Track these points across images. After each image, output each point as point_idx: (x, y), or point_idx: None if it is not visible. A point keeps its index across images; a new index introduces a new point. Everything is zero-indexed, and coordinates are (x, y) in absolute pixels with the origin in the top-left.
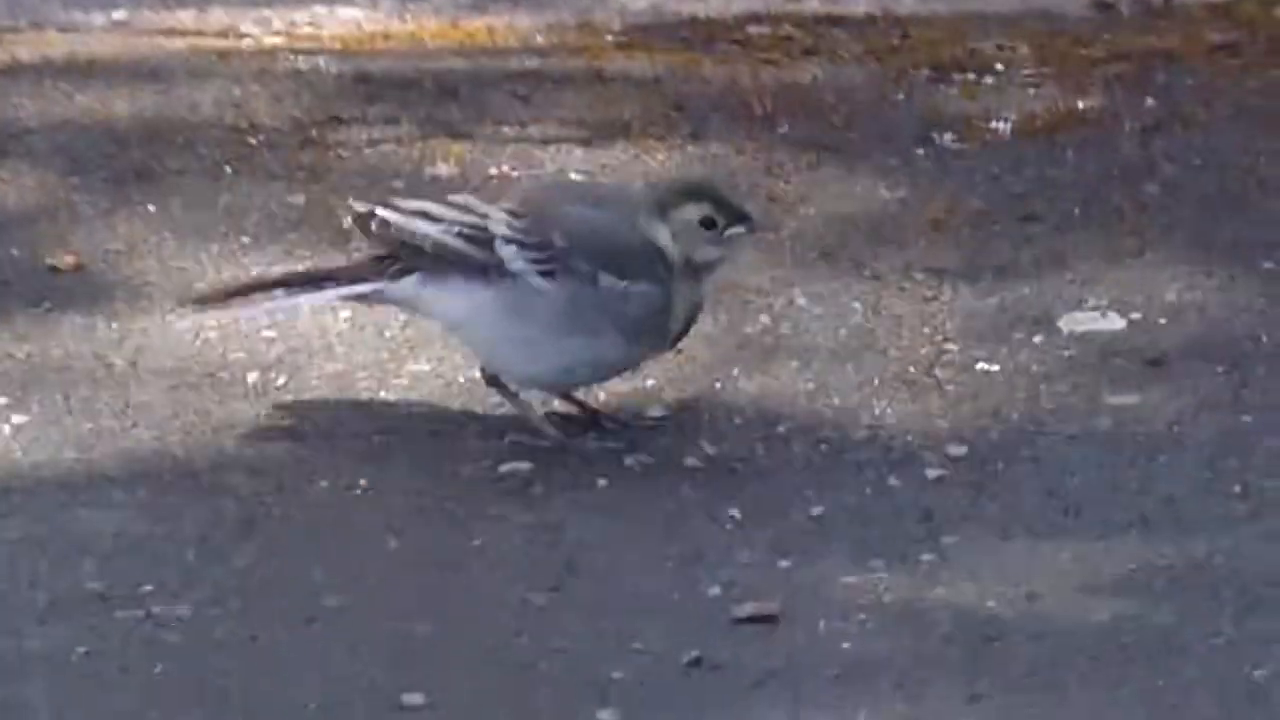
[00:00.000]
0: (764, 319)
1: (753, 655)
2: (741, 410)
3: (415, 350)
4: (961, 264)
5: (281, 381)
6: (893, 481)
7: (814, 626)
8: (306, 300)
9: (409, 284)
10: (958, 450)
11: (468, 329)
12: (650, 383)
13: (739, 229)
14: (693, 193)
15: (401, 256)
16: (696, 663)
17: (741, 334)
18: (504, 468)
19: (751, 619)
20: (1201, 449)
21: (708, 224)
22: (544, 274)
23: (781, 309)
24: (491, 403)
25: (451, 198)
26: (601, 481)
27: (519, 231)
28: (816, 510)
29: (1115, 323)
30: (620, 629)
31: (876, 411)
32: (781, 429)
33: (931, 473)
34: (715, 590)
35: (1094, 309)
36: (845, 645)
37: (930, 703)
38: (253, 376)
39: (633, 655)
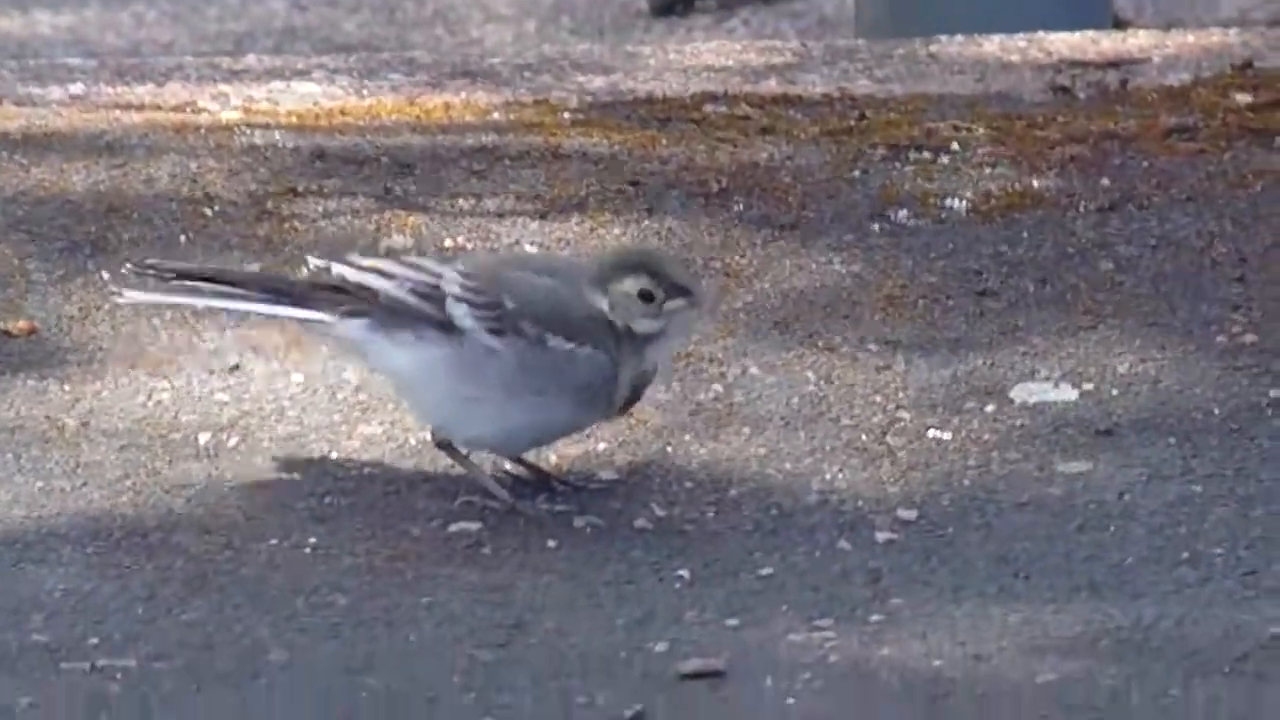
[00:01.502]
0: (716, 387)
1: (698, 711)
2: (693, 474)
3: (367, 413)
4: (915, 337)
5: (233, 443)
6: (842, 544)
7: (760, 684)
8: (253, 309)
9: (358, 326)
10: (908, 515)
11: (416, 386)
12: (602, 446)
13: (678, 302)
14: (632, 265)
15: (354, 300)
16: (639, 718)
17: (694, 401)
18: (454, 528)
19: (697, 675)
20: (1152, 517)
21: (645, 297)
22: (493, 332)
23: (734, 377)
24: (442, 464)
25: (405, 258)
26: (551, 543)
27: (470, 291)
28: (765, 571)
29: (1067, 394)
30: (566, 686)
31: (827, 477)
32: (732, 493)
33: (881, 536)
34: (662, 647)
35: (1046, 380)
36: (791, 701)
37: None
38: (204, 437)
39: (578, 711)
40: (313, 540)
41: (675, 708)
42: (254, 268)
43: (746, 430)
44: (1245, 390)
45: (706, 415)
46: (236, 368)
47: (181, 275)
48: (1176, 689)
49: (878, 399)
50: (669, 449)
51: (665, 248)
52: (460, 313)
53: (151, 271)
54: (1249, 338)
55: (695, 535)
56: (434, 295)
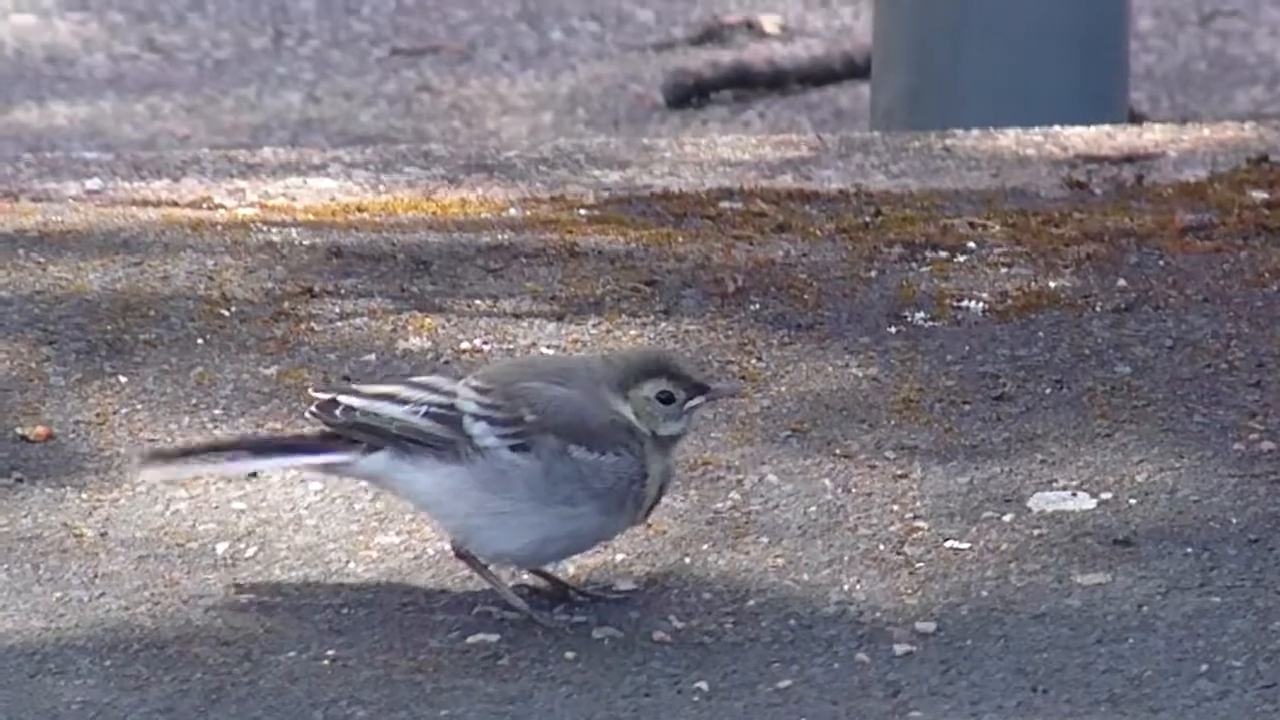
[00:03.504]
0: (734, 495)
1: None
2: (711, 585)
3: (385, 523)
4: (932, 443)
5: (251, 553)
6: (860, 657)
7: None
8: (273, 465)
9: (379, 460)
10: (926, 626)
11: (440, 505)
12: (620, 557)
13: (698, 400)
14: (650, 370)
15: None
16: None
17: (711, 510)
18: (472, 639)
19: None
20: (1171, 629)
21: (666, 399)
22: (515, 449)
23: (752, 486)
24: (460, 575)
25: (414, 378)
26: (569, 654)
27: (487, 408)
28: (784, 684)
29: (1085, 503)
30: None
31: (845, 588)
32: (750, 604)
33: (900, 649)
34: None
35: (1064, 489)
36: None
37: None
38: (222, 547)
39: None
40: (331, 652)
41: None
42: (270, 370)
43: (764, 540)
44: (1263, 499)
45: (724, 524)
46: (254, 476)
47: (186, 454)
48: None
49: (895, 508)
50: (687, 559)
51: (678, 348)
52: (479, 431)
53: (158, 460)
54: (1266, 445)
55: (713, 647)
56: (450, 417)
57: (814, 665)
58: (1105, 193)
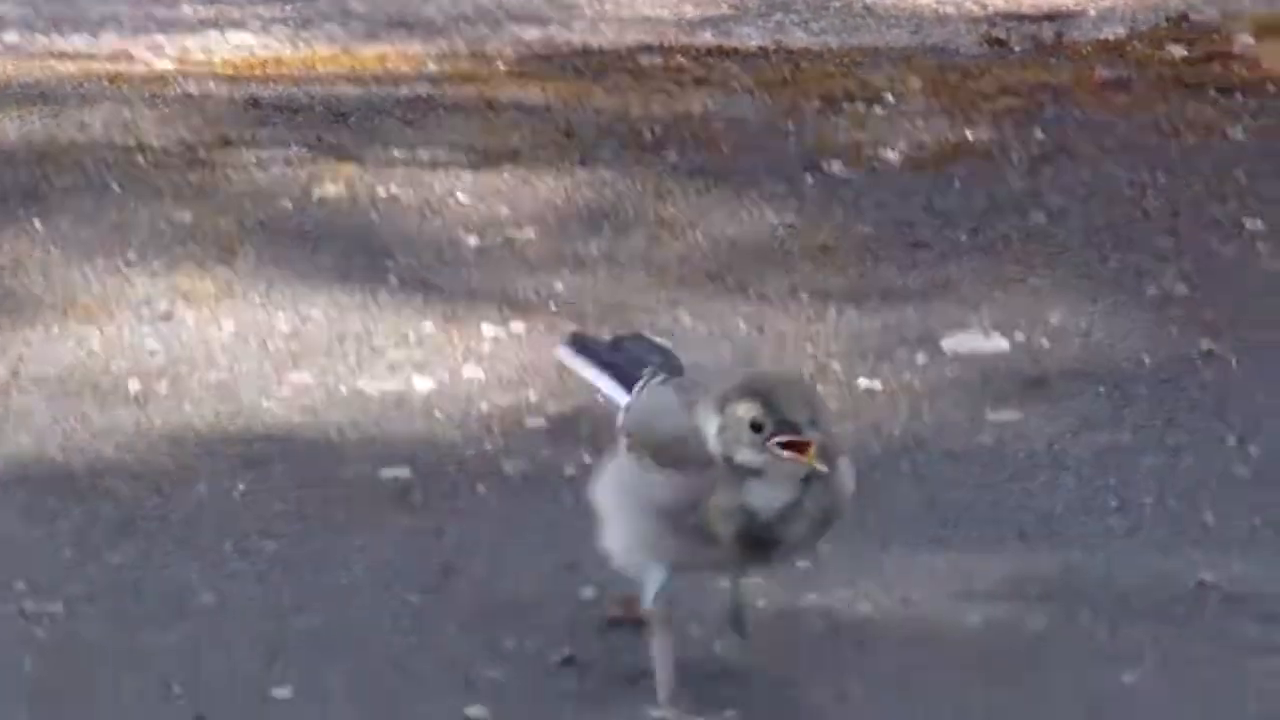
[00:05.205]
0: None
1: (625, 655)
2: None
3: (299, 361)
4: (847, 287)
5: (164, 390)
6: None
7: (686, 629)
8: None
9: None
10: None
11: None
12: (533, 396)
13: (784, 439)
14: (753, 391)
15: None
16: (569, 661)
17: None
18: (384, 473)
19: (624, 620)
20: (1081, 467)
21: (755, 427)
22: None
23: (667, 326)
24: (372, 411)
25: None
26: (481, 488)
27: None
28: None
29: (999, 344)
30: (494, 629)
31: None
32: None
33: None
34: (589, 593)
35: (978, 330)
36: (717, 645)
37: (800, 701)
38: (135, 385)
39: (505, 655)
40: (241, 486)
41: (603, 652)
42: (185, 215)
43: None
44: (1175, 340)
45: None
46: (168, 316)
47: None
48: (1102, 635)
49: (809, 349)
50: (598, 399)
51: (805, 382)
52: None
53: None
54: (1180, 288)
55: None
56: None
57: None
58: (1024, 50)
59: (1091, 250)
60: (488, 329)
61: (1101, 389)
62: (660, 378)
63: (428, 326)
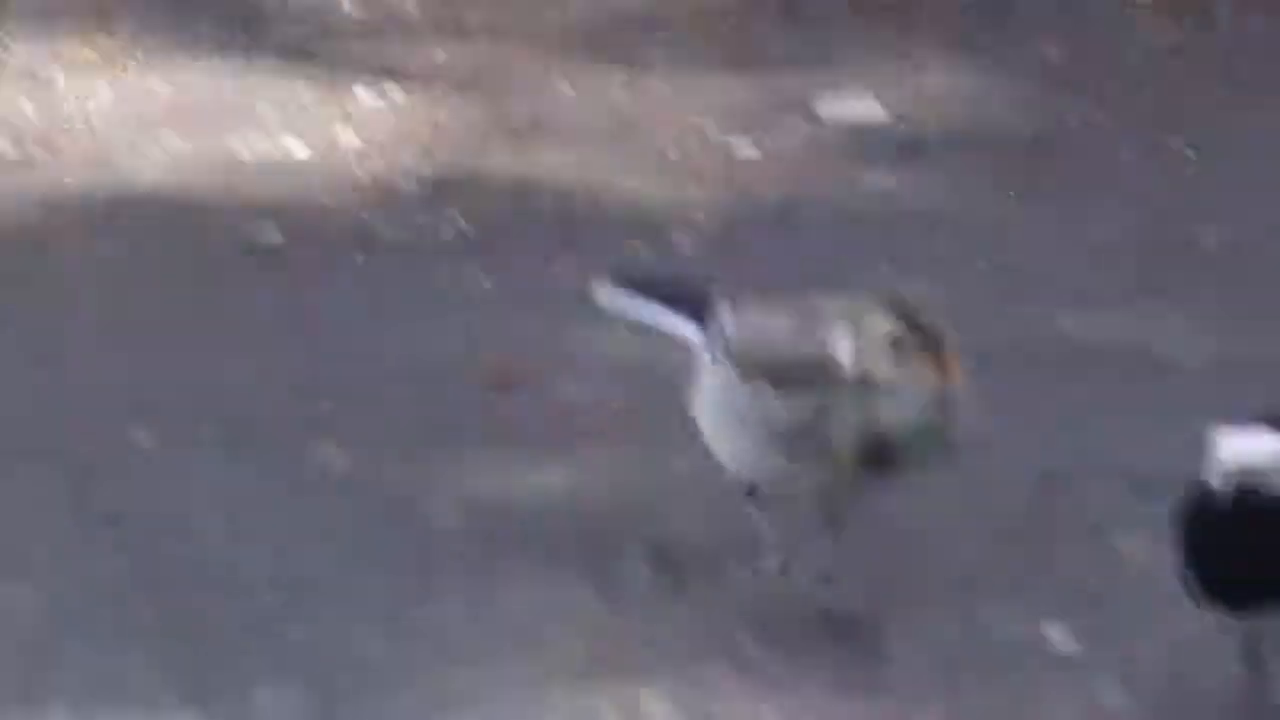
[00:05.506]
0: (526, 103)
1: (499, 414)
2: (499, 187)
3: (176, 128)
4: (725, 55)
5: (40, 156)
6: (639, 246)
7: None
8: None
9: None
10: (709, 225)
11: None
12: (407, 161)
13: (923, 356)
14: (892, 309)
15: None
16: (452, 427)
17: (502, 115)
18: (258, 240)
19: (496, 382)
20: (958, 227)
21: (896, 344)
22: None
23: (545, 93)
24: (248, 179)
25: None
26: (359, 257)
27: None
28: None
29: (875, 110)
30: (375, 394)
31: (631, 187)
32: (537, 204)
33: (680, 240)
34: (460, 346)
35: (854, 97)
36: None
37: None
38: (11, 151)
39: (384, 411)
40: (114, 248)
41: (479, 410)
42: None
43: (554, 145)
44: (1049, 103)
45: (515, 131)
46: (46, 82)
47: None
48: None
49: (686, 115)
50: (475, 163)
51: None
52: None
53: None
54: (1054, 52)
55: (499, 246)
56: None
57: (595, 255)
58: None
59: (970, 20)
60: (366, 97)
61: (977, 153)
62: (752, 302)
63: (306, 95)
